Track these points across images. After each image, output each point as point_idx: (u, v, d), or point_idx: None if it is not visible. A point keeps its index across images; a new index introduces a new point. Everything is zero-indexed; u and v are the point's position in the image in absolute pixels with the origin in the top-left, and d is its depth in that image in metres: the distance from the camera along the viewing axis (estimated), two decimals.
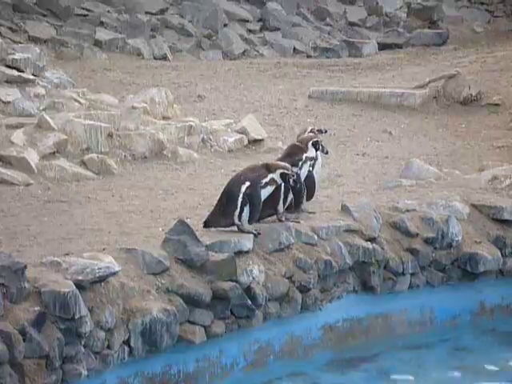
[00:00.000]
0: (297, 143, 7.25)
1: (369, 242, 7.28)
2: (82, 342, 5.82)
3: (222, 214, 6.70)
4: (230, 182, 6.79)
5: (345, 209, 7.47)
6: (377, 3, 18.76)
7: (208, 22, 16.44)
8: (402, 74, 13.56)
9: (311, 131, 7.51)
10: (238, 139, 10.19)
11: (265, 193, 6.70)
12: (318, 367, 6.94)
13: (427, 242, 7.58)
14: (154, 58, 15.10)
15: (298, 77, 13.62)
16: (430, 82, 12.37)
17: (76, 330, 5.77)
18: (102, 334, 5.91)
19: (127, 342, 6.04)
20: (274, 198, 6.84)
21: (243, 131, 10.30)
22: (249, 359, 6.67)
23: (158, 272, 6.32)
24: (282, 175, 6.74)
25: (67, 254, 6.23)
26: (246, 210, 6.64)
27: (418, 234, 7.56)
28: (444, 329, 7.65)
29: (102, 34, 15.29)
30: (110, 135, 9.52)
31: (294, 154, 7.15)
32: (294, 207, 7.11)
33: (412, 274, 7.51)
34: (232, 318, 6.52)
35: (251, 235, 6.73)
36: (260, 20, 17.28)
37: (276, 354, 6.83)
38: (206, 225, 6.80)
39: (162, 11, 16.53)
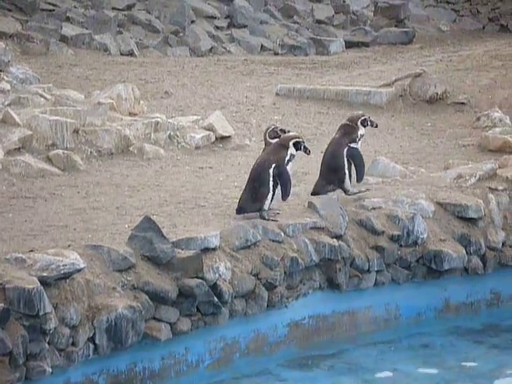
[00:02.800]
0: (281, 142, 7.27)
1: (335, 240, 7.31)
2: (47, 339, 5.78)
3: (254, 200, 7.05)
4: (255, 168, 7.11)
5: (311, 206, 7.49)
6: (344, 1, 18.82)
7: (175, 19, 16.38)
8: (369, 72, 13.61)
9: (273, 130, 7.53)
10: (205, 136, 10.17)
11: (288, 169, 7.11)
12: (284, 364, 6.95)
13: (393, 239, 7.62)
14: (121, 54, 15.03)
15: (265, 74, 13.62)
16: (396, 80, 12.42)
17: (40, 327, 5.74)
18: (66, 331, 5.88)
19: (92, 339, 6.01)
20: (261, 192, 7.04)
21: (210, 128, 10.28)
22: (215, 356, 6.67)
23: (124, 269, 6.29)
24: (295, 144, 7.12)
25: (32, 251, 6.18)
26: (277, 191, 7.07)
27: (383, 232, 7.60)
28: (409, 326, 7.69)
29: (68, 30, 15.18)
30: (76, 131, 9.46)
31: (278, 151, 7.19)
32: (282, 197, 7.19)
33: (377, 272, 7.54)
34: (198, 315, 6.51)
35: (218, 232, 6.74)
36: (227, 17, 17.26)
37: (242, 351, 6.83)
38: (240, 211, 7.11)
39: (129, 7, 16.45)
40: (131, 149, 9.61)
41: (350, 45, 16.76)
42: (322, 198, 7.55)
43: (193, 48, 15.91)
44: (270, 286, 6.90)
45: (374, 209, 7.72)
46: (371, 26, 18.11)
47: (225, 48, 16.28)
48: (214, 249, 6.67)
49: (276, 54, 16.08)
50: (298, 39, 16.65)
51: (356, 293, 7.46)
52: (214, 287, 6.55)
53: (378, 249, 7.54)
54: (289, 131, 7.61)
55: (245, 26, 17.11)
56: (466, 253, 7.84)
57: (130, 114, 10.31)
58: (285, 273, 6.99)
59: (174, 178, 8.84)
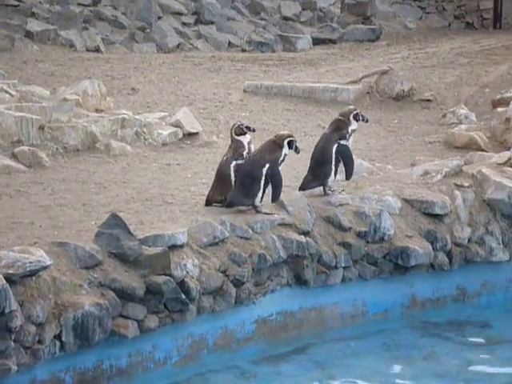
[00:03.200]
0: (276, 141, 7.27)
1: (302, 236, 7.32)
2: (12, 337, 5.74)
3: (244, 195, 7.13)
4: (249, 164, 7.18)
5: (279, 203, 7.49)
6: None
7: (142, 15, 16.32)
8: (336, 69, 13.65)
9: (239, 126, 7.51)
10: (173, 132, 10.14)
11: (280, 169, 7.21)
12: (252, 360, 6.95)
13: (360, 235, 7.65)
14: (87, 50, 14.94)
15: (232, 71, 13.61)
16: (363, 77, 12.47)
17: (6, 325, 5.69)
18: (32, 329, 5.83)
19: (59, 337, 5.98)
20: (253, 190, 7.10)
21: (178, 124, 10.25)
22: (182, 353, 6.66)
23: (91, 266, 6.26)
24: (289, 143, 7.20)
25: None
26: (267, 190, 7.15)
27: (350, 228, 7.62)
28: (376, 322, 7.73)
29: (34, 25, 15.07)
30: (42, 127, 9.39)
31: (273, 151, 7.21)
32: (272, 199, 7.25)
33: (345, 268, 7.57)
34: (165, 312, 6.49)
35: (185, 229, 6.72)
36: (194, 13, 17.22)
37: (210, 347, 6.82)
38: (229, 205, 7.16)
39: (95, 3, 16.36)
40: (97, 145, 9.56)
41: (317, 42, 16.80)
42: (290, 195, 7.55)
43: (160, 44, 15.86)
44: (238, 283, 6.90)
45: (341, 205, 7.73)
46: (338, 22, 18.17)
47: (192, 44, 16.25)
48: (181, 246, 6.65)
49: (243, 50, 16.07)
50: (266, 36, 16.65)
51: (323, 289, 7.47)
52: (182, 284, 6.53)
53: (345, 245, 7.56)
54: (254, 129, 7.61)
55: (212, 23, 17.09)
56: (433, 249, 7.89)
57: (97, 111, 10.26)
58: (253, 269, 6.99)
59: (141, 174, 8.80)
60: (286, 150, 7.21)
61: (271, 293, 7.17)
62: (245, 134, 7.48)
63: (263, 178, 7.12)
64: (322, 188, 7.74)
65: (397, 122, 11.61)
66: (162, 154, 9.73)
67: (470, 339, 7.62)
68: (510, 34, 17.56)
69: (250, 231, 7.09)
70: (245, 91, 12.26)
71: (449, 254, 8.06)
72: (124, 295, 6.26)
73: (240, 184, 7.17)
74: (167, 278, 6.44)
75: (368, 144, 10.52)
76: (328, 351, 7.21)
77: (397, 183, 8.32)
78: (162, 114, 10.66)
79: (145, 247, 6.46)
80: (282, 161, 7.21)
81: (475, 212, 8.31)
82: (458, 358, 7.22)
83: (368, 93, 12.23)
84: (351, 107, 8.00)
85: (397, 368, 6.99)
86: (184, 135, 10.21)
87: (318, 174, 7.71)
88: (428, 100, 12.15)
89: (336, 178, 7.70)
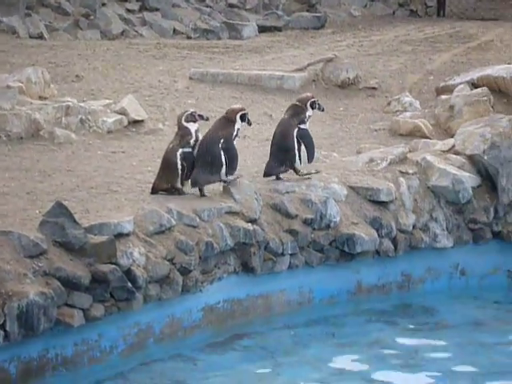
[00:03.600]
0: (228, 116, 7.47)
1: (250, 224, 7.33)
2: None
3: (209, 172, 7.25)
4: (206, 142, 7.30)
5: (226, 191, 7.49)
6: None
7: (85, 1, 16.13)
8: (282, 57, 13.65)
9: (191, 114, 7.50)
10: (118, 120, 10.06)
11: (234, 143, 7.36)
12: (199, 348, 6.95)
13: (306, 223, 7.68)
14: (30, 37, 14.73)
15: (178, 58, 13.53)
16: (308, 65, 12.49)
17: None
18: None
19: (3, 326, 5.90)
20: (216, 166, 7.25)
21: (123, 112, 10.17)
22: (129, 342, 6.62)
23: (35, 255, 6.20)
24: (241, 117, 7.37)
25: None
26: (227, 164, 7.30)
27: (297, 216, 7.65)
28: (322, 308, 7.77)
29: None
30: None
31: (226, 127, 7.39)
32: (229, 172, 7.39)
33: (291, 255, 7.60)
34: (112, 301, 6.45)
35: (131, 217, 6.69)
36: (139, 0, 17.08)
37: (156, 336, 6.80)
38: (196, 185, 7.30)
39: None
40: (42, 133, 9.46)
41: (262, 29, 16.78)
42: (237, 183, 7.55)
43: (104, 31, 15.70)
44: (185, 271, 6.88)
45: (287, 193, 7.76)
46: (283, 10, 18.16)
47: (137, 31, 16.11)
48: (127, 234, 6.61)
49: (189, 37, 15.98)
50: (211, 23, 16.58)
51: (270, 276, 7.50)
52: (128, 273, 6.50)
53: (291, 232, 7.59)
54: (207, 117, 7.60)
55: (157, 10, 16.96)
56: (378, 236, 7.96)
57: (40, 98, 10.14)
58: (199, 257, 6.98)
59: (86, 162, 8.73)
60: (238, 124, 7.37)
61: (218, 281, 7.17)
62: (195, 121, 7.46)
63: (222, 152, 7.27)
64: (292, 172, 7.89)
65: (342, 109, 11.65)
66: (107, 141, 9.65)
67: (415, 325, 7.71)
68: (454, 21, 17.75)
69: (197, 219, 7.07)
70: (191, 78, 12.20)
71: (394, 241, 8.14)
72: (69, 284, 6.20)
73: (202, 164, 7.27)
74: (113, 266, 6.40)
75: (314, 132, 10.54)
76: (275, 338, 7.23)
77: (342, 171, 8.37)
78: (107, 101, 10.56)
79: (90, 236, 6.41)
80: (236, 135, 7.37)
81: (420, 199, 8.40)
82: (404, 343, 7.30)
83: (314, 80, 12.26)
84: (309, 94, 8.16)
85: (343, 354, 7.04)
86: (129, 123, 10.14)
87: (282, 159, 7.82)
88: (373, 88, 12.22)
89: (301, 162, 7.88)
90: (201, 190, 7.37)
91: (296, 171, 7.89)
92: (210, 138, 7.35)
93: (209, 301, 7.11)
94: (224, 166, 7.32)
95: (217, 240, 7.09)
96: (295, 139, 7.80)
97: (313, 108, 7.92)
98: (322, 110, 8.16)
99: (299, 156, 7.82)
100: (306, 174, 7.97)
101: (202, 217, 7.12)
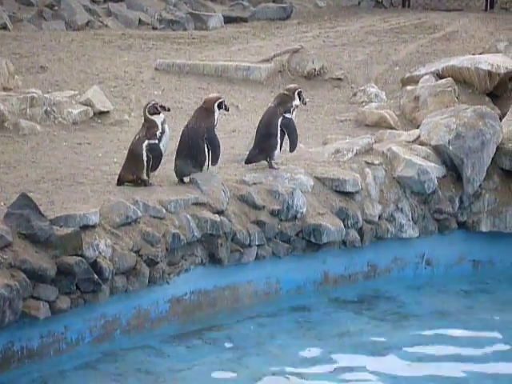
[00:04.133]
0: (206, 106, 7.58)
1: (217, 215, 7.32)
2: None
3: (193, 165, 7.41)
4: (187, 134, 7.44)
5: (193, 182, 7.47)
6: None
7: None
8: (248, 47, 13.63)
9: (153, 105, 7.46)
10: (83, 111, 10.00)
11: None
12: (165, 340, 6.95)
13: (273, 214, 7.69)
14: None
15: (143, 49, 13.47)
16: (274, 56, 12.49)
17: None
18: None
19: None
20: (200, 157, 7.39)
21: (88, 103, 10.11)
22: (95, 334, 6.60)
23: (0, 247, 6.15)
24: (219, 105, 7.53)
25: None
26: (211, 153, 7.47)
27: (264, 207, 7.66)
28: (289, 298, 7.80)
29: None
30: None
31: (206, 117, 7.50)
32: (212, 162, 7.52)
33: (258, 246, 7.61)
34: (78, 293, 6.43)
35: (97, 209, 6.66)
36: None
37: (123, 327, 6.78)
38: (181, 175, 7.44)
39: None
40: (6, 124, 9.37)
41: (228, 20, 16.73)
42: (204, 174, 7.55)
43: (68, 22, 15.58)
44: (152, 263, 6.87)
45: (254, 184, 7.76)
46: (249, 1, 18.12)
47: (102, 22, 16.01)
48: (93, 226, 6.59)
49: (154, 28, 15.91)
50: (177, 14, 16.51)
51: (237, 267, 7.50)
52: (94, 264, 6.47)
53: (258, 223, 7.60)
54: (168, 108, 7.58)
55: (122, 0, 16.86)
56: (344, 226, 7.99)
57: (5, 89, 10.05)
58: (166, 249, 6.96)
59: (51, 154, 8.67)
60: (217, 113, 7.52)
61: (185, 272, 7.16)
62: (159, 113, 7.43)
63: (206, 144, 7.40)
64: (267, 161, 7.92)
65: (308, 100, 11.65)
66: (72, 133, 9.59)
67: (382, 315, 7.75)
68: (419, 12, 17.82)
69: (164, 211, 7.06)
70: (156, 69, 12.15)
71: (360, 231, 8.17)
72: (35, 276, 6.17)
73: (186, 155, 7.41)
74: (79, 258, 6.37)
75: None
76: (242, 329, 7.24)
77: (309, 162, 8.38)
78: (72, 92, 10.49)
79: (56, 228, 6.37)
80: (216, 125, 7.51)
81: (385, 189, 8.43)
82: (371, 333, 7.34)
83: (280, 71, 12.26)
84: (296, 85, 8.31)
85: (310, 344, 7.07)
86: (95, 114, 10.08)
87: (263, 147, 7.89)
88: (339, 79, 12.24)
89: (281, 150, 7.93)
90: (182, 181, 7.46)
91: (271, 159, 7.92)
92: (193, 131, 7.44)
93: (176, 292, 7.10)
94: (207, 159, 7.45)
95: (184, 231, 7.08)
96: (278, 128, 7.87)
97: (300, 98, 7.98)
98: (305, 104, 8.21)
99: (280, 144, 7.86)
100: (276, 169, 7.95)
101: (169, 208, 7.11)
